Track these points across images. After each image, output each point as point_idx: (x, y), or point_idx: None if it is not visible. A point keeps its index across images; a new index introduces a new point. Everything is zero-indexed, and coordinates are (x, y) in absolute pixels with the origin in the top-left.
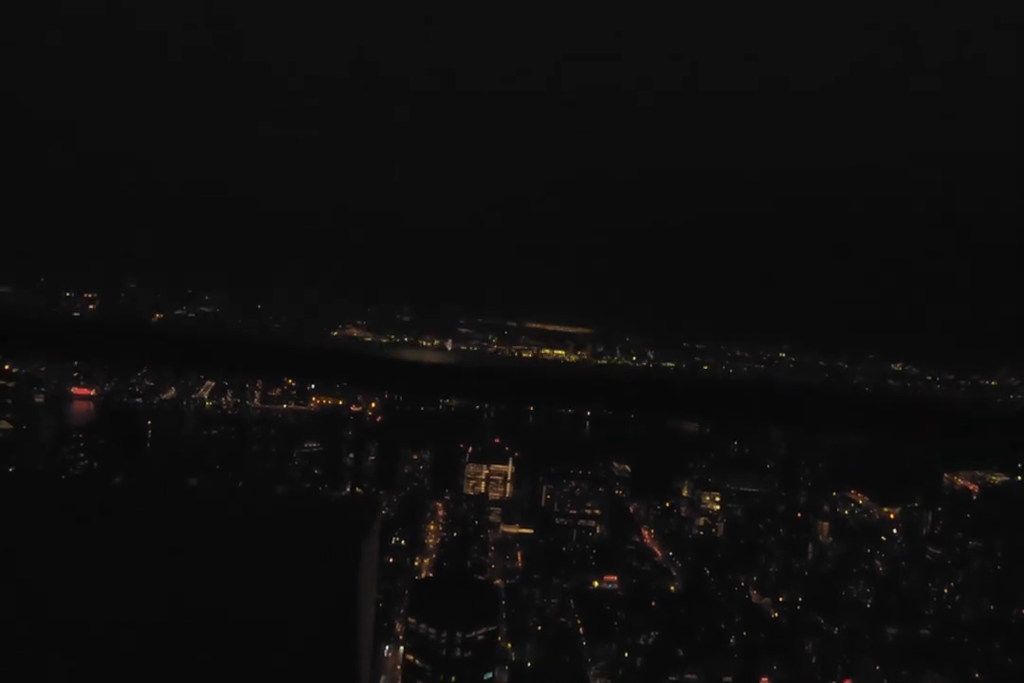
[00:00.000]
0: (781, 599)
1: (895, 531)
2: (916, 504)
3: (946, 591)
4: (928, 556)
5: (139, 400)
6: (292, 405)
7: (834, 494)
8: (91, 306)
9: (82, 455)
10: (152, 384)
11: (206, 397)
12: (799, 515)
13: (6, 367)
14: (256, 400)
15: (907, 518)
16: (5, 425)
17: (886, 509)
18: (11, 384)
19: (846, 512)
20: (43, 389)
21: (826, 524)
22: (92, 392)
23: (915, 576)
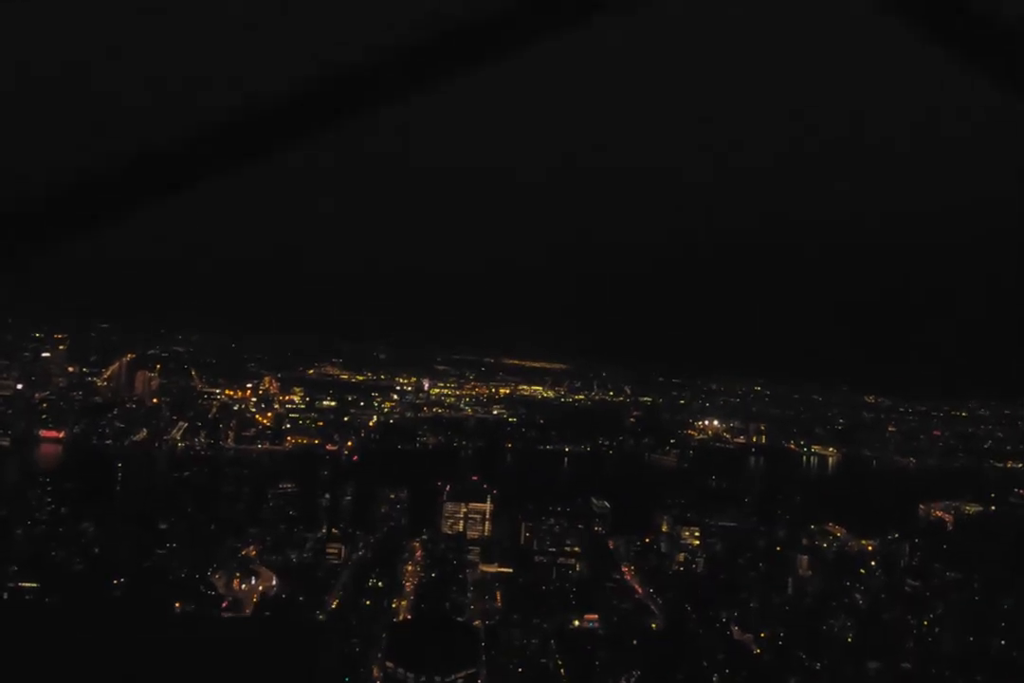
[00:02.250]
0: (763, 635)
1: (873, 563)
2: (893, 536)
3: (926, 623)
4: (907, 588)
5: (109, 442)
6: (266, 445)
7: (812, 527)
8: (61, 347)
9: (49, 500)
10: (123, 426)
11: (178, 438)
12: (779, 549)
13: None
14: (229, 440)
15: (885, 550)
16: None
17: (864, 541)
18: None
19: (824, 545)
20: (9, 432)
21: (805, 558)
22: (60, 435)
23: (895, 609)
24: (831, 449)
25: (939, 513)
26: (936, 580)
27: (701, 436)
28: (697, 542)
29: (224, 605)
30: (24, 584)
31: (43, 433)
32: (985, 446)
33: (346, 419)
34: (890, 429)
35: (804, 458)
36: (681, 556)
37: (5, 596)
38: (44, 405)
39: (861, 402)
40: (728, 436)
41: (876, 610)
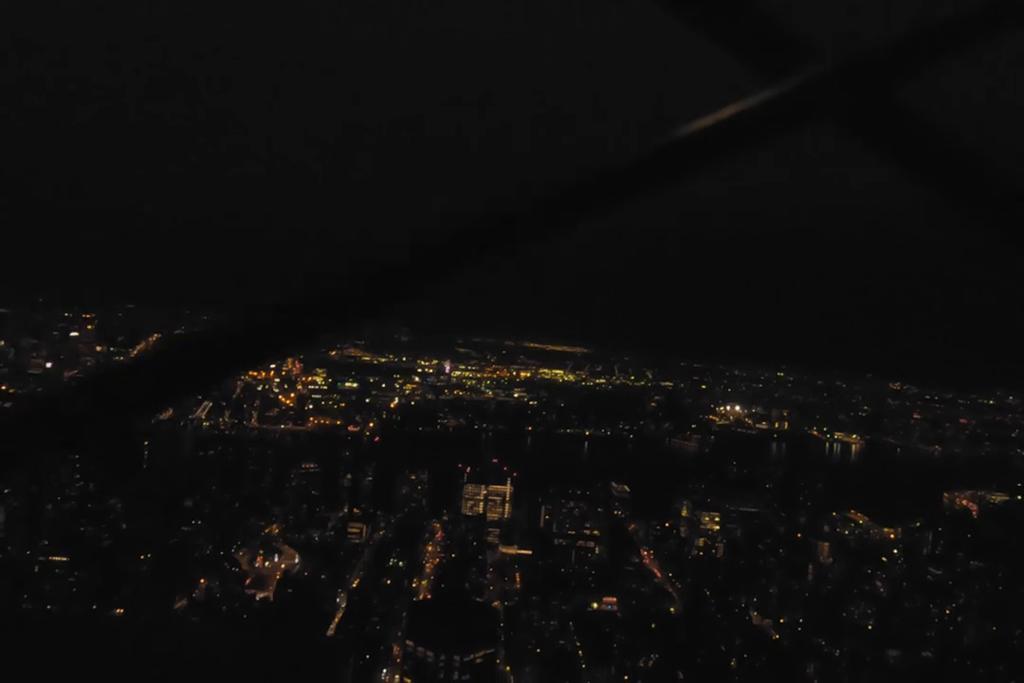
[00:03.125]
0: (782, 621)
1: (896, 551)
2: (917, 524)
3: (948, 613)
4: (929, 577)
5: (136, 421)
6: (290, 425)
7: (834, 514)
8: (89, 326)
9: (78, 477)
10: None
11: (203, 417)
12: (799, 536)
13: (3, 386)
14: (253, 420)
15: (908, 538)
16: None
17: (887, 529)
18: (7, 404)
19: (846, 532)
20: None
21: (826, 545)
22: None
23: (917, 597)
24: (854, 436)
25: (964, 502)
26: (959, 569)
27: (722, 421)
28: (717, 527)
29: (247, 582)
30: (55, 558)
31: None
32: (1012, 435)
33: (368, 400)
34: (915, 416)
35: (827, 445)
36: (700, 541)
37: (37, 569)
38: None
39: (886, 389)
40: (750, 422)
41: (898, 598)
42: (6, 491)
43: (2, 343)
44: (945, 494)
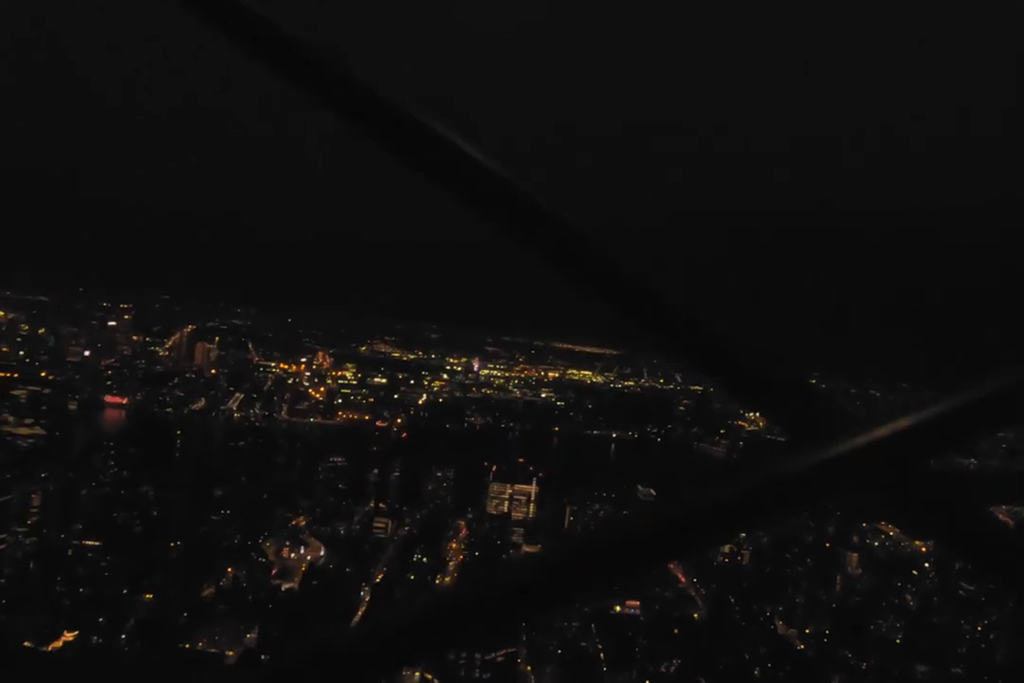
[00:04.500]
0: (808, 631)
1: (927, 565)
2: None
3: (980, 629)
4: (961, 592)
5: (169, 410)
6: (319, 419)
7: (864, 525)
8: (126, 316)
9: (112, 463)
10: (182, 395)
11: (235, 409)
12: (827, 545)
13: (43, 373)
14: (283, 413)
15: (940, 552)
16: (38, 431)
17: (918, 542)
18: (46, 390)
19: (876, 544)
20: (76, 396)
21: (855, 555)
22: (124, 401)
23: (947, 612)
24: None
25: (1000, 517)
26: (993, 586)
27: (752, 427)
28: (743, 534)
29: (273, 572)
30: (88, 542)
31: (108, 399)
32: None
33: (396, 396)
34: None
35: None
36: (727, 547)
37: (70, 552)
38: (109, 372)
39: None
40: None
41: (928, 613)
42: (44, 475)
43: (43, 331)
44: None
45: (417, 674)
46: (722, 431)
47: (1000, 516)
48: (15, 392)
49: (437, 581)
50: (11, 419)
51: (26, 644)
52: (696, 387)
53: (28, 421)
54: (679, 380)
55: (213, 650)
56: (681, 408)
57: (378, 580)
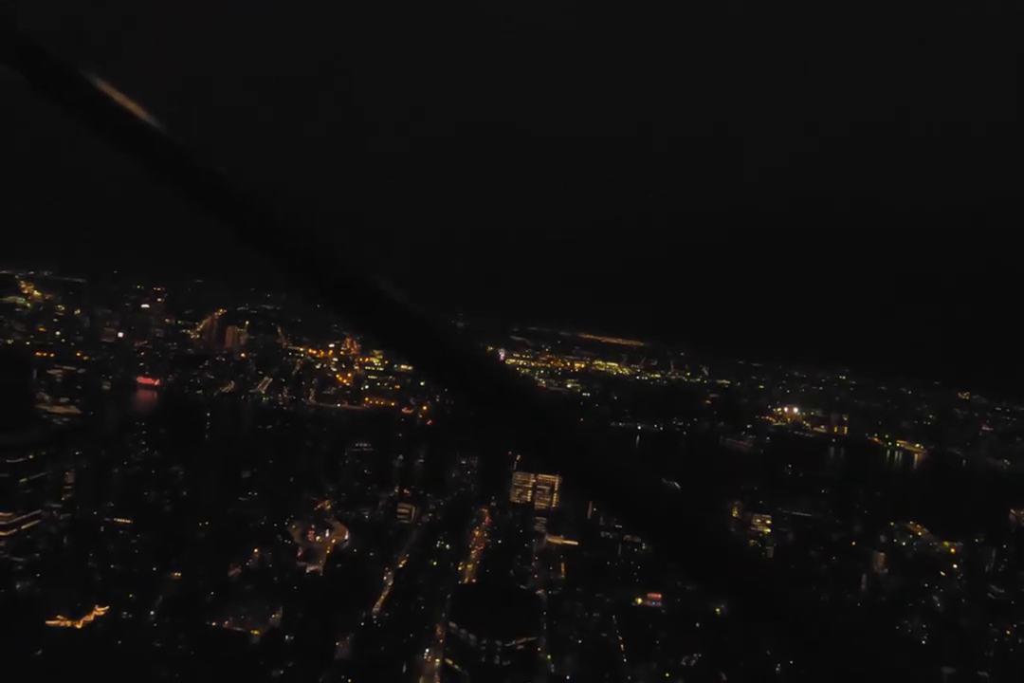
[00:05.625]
0: None
1: (955, 567)
2: (979, 539)
3: (1008, 633)
4: (990, 595)
5: (200, 392)
6: (346, 404)
7: (892, 524)
8: (159, 299)
9: (143, 443)
10: (212, 377)
11: (263, 392)
12: (853, 544)
13: (78, 353)
14: (311, 398)
15: (969, 554)
16: (73, 410)
17: (947, 543)
18: (81, 370)
19: (904, 544)
20: (110, 377)
21: (882, 555)
22: (156, 382)
23: (976, 615)
24: (917, 445)
25: None
26: (1023, 588)
27: (779, 423)
28: (768, 530)
29: (299, 554)
30: (118, 520)
31: (140, 380)
32: None
33: (422, 384)
34: (984, 428)
35: (888, 452)
36: (751, 543)
37: (102, 529)
38: (142, 353)
39: (954, 398)
40: (808, 424)
41: (955, 615)
42: (77, 453)
43: (79, 312)
44: (1012, 510)
45: (438, 658)
46: (748, 426)
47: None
48: (51, 371)
49: (460, 568)
50: (47, 398)
51: (59, 617)
52: (723, 381)
53: (63, 400)
54: (706, 374)
55: (238, 629)
56: (708, 402)
57: (401, 565)
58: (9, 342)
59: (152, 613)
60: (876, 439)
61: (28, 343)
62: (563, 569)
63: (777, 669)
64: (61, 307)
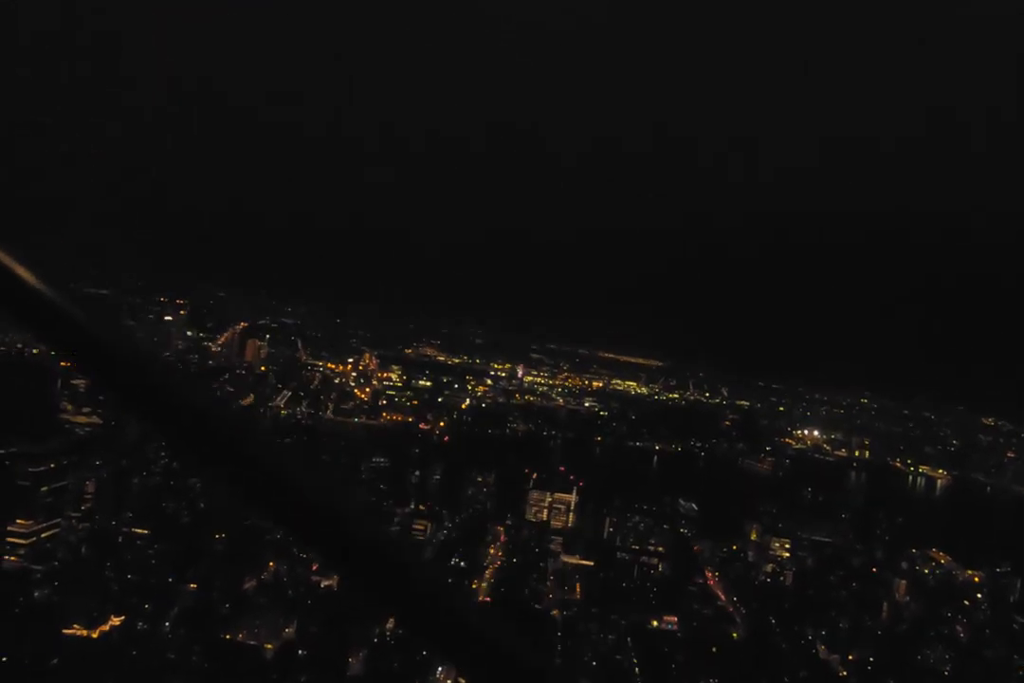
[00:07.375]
0: (851, 657)
1: (979, 596)
2: (1004, 568)
3: None
4: (1015, 626)
5: None
6: (363, 419)
7: (914, 551)
8: (181, 312)
9: (163, 454)
10: (232, 390)
11: (282, 406)
12: (874, 570)
13: None
14: (329, 412)
15: (993, 583)
16: (95, 420)
17: (970, 572)
18: None
19: (926, 571)
20: None
21: (904, 582)
22: None
23: (1000, 646)
24: (941, 471)
25: None
26: None
27: (799, 445)
28: (787, 554)
29: (314, 568)
30: (137, 530)
31: None
32: None
33: (440, 400)
34: (1009, 455)
35: (910, 478)
36: (769, 567)
37: (120, 539)
38: None
39: (978, 424)
40: (828, 448)
41: (978, 645)
42: (98, 463)
43: None
44: None
45: (451, 680)
46: (768, 448)
47: None
48: (75, 381)
49: (474, 586)
50: (70, 407)
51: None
52: (742, 402)
53: (86, 410)
54: (725, 394)
55: (252, 642)
56: (727, 423)
57: None
58: (34, 352)
59: (167, 624)
60: (898, 464)
61: (52, 353)
62: (578, 589)
63: None
64: None
